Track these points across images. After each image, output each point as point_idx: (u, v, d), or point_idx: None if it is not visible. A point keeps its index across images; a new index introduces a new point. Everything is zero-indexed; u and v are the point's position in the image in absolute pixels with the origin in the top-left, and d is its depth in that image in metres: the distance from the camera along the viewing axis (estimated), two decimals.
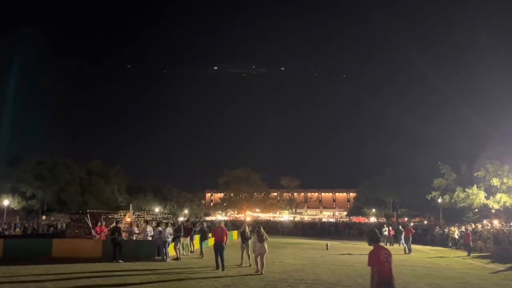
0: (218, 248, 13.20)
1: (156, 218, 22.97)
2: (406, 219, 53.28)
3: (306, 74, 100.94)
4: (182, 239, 16.83)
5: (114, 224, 15.98)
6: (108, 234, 17.78)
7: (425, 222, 48.67)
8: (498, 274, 14.43)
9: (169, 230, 15.81)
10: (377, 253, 5.71)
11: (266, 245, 12.64)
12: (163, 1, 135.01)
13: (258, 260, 12.66)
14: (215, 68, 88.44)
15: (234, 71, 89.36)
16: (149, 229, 17.33)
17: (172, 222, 19.54)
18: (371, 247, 5.87)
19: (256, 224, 14.59)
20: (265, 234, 12.84)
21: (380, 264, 5.62)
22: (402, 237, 23.74)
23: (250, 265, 13.90)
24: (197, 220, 51.77)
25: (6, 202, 43.30)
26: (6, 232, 30.81)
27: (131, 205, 21.54)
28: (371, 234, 6.04)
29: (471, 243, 22.39)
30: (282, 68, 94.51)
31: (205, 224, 22.47)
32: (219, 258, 13.18)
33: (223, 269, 12.99)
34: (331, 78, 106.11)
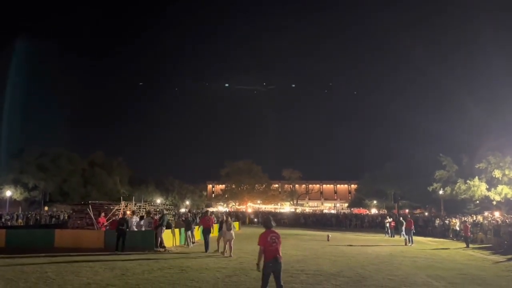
0: (206, 232, 16.31)
1: (157, 209, 23.08)
2: (407, 210, 53.37)
3: (314, 60, 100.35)
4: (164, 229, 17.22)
5: (121, 215, 16.05)
6: (107, 225, 17.89)
7: (426, 213, 48.78)
8: (499, 265, 14.47)
9: (135, 219, 17.35)
10: (266, 235, 6.94)
11: (233, 233, 14.79)
12: (163, 1, 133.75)
13: (227, 245, 14.60)
14: (226, 85, 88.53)
15: (244, 88, 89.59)
16: (135, 219, 17.64)
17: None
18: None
19: (225, 214, 16.56)
20: (232, 223, 15.23)
21: (266, 244, 6.82)
22: (403, 228, 23.84)
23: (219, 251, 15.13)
24: (198, 211, 51.99)
25: (8, 193, 43.52)
26: (9, 223, 30.99)
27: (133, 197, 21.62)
28: (265, 221, 7.29)
29: (469, 234, 22.44)
30: (293, 85, 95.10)
31: (189, 215, 22.74)
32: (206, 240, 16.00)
33: (206, 250, 15.47)
34: (335, 69, 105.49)
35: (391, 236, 27.39)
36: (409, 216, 30.44)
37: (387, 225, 28.81)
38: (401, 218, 26.86)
